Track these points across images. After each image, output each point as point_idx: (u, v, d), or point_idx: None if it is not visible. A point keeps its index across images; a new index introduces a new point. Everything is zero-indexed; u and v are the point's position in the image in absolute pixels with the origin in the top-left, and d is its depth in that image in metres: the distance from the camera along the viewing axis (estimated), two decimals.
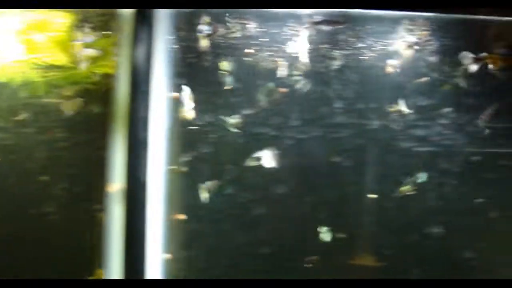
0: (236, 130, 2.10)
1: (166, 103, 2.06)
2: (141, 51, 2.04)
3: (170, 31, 2.14)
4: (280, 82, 2.16)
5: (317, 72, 2.17)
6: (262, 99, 2.14)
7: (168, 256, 2.01)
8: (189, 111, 2.11)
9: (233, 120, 2.13)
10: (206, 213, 2.03)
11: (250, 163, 2.01)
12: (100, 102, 2.10)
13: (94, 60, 2.17)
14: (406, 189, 2.05)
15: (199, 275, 1.98)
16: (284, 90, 2.17)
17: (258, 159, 2.00)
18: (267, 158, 2.00)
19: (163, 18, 2.10)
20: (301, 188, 2.09)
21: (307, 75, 2.17)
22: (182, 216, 2.09)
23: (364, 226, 2.03)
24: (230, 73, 2.14)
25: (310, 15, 2.17)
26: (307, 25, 2.17)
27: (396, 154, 2.11)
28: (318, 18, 2.16)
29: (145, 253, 1.94)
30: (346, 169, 2.05)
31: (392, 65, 2.17)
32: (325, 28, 2.18)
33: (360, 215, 2.03)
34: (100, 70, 2.15)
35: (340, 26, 2.17)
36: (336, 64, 2.17)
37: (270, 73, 2.16)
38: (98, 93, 2.11)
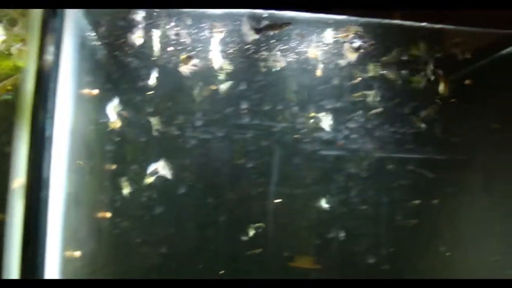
0: (149, 130, 2.08)
1: (75, 99, 2.04)
2: (51, 47, 2.02)
3: (89, 27, 2.12)
4: (203, 83, 2.14)
5: (240, 75, 2.16)
6: (179, 100, 2.13)
7: (70, 253, 1.98)
8: (101, 109, 2.09)
9: (151, 119, 2.11)
10: (110, 211, 2.01)
11: (148, 179, 1.99)
12: (8, 95, 2.07)
13: (5, 54, 2.13)
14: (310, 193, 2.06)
15: (100, 273, 1.96)
16: (211, 89, 2.16)
17: (156, 172, 1.98)
18: (164, 169, 1.99)
19: (76, 14, 2.08)
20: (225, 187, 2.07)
21: (230, 77, 2.17)
22: (106, 215, 2.06)
23: (268, 227, 2.03)
24: (148, 72, 2.12)
25: (238, 16, 2.16)
26: (237, 26, 2.16)
27: (309, 157, 2.12)
28: (263, 23, 2.13)
29: (45, 250, 1.91)
30: (253, 170, 2.05)
31: (310, 69, 2.17)
32: (270, 32, 2.15)
33: (265, 216, 2.02)
34: (10, 65, 2.12)
35: (286, 28, 2.14)
36: (256, 67, 2.17)
37: (191, 75, 2.14)
38: (7, 87, 2.08)
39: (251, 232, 2.06)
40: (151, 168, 1.99)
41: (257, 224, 2.08)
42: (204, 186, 2.03)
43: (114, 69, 2.13)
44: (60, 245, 1.96)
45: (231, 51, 2.13)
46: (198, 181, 2.03)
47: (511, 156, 2.23)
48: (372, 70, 2.14)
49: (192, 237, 2.01)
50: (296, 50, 2.14)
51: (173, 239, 1.99)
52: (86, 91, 2.14)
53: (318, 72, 2.13)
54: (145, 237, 1.99)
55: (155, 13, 2.14)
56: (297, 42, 2.12)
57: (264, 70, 2.14)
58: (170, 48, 2.13)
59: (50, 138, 1.98)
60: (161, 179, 1.99)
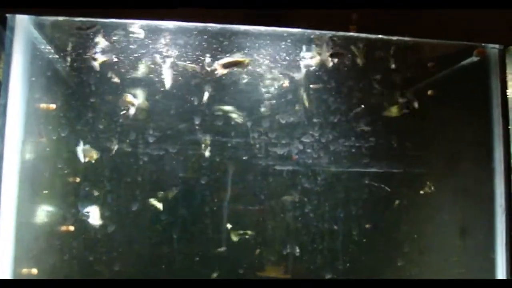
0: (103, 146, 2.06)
1: (26, 116, 2.02)
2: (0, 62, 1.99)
3: (43, 41, 2.09)
4: (150, 96, 2.12)
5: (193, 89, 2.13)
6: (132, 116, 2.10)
7: (26, 271, 1.99)
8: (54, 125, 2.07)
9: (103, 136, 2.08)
10: (58, 229, 2.01)
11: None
12: None
13: None
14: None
15: None
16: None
17: (87, 216, 1.98)
18: (95, 216, 1.99)
19: (27, 27, 2.05)
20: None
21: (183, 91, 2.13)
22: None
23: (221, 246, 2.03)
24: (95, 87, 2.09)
25: (192, 30, 2.12)
26: (190, 40, 2.12)
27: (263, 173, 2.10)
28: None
29: None
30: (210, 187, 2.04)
31: (264, 83, 2.16)
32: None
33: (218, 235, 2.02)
34: None
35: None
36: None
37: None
38: None
39: (208, 248, 2.06)
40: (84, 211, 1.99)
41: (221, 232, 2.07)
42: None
43: (69, 83, 2.10)
44: (13, 262, 1.97)
45: (184, 64, 2.11)
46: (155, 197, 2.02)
47: (468, 167, 2.23)
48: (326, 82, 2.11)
49: (146, 253, 2.01)
50: (251, 65, 2.12)
51: (126, 256, 1.98)
52: (43, 105, 2.11)
53: (273, 86, 2.11)
54: (97, 255, 1.99)
55: (109, 26, 2.11)
56: (253, 56, 2.10)
57: (218, 84, 2.12)
58: (126, 61, 2.10)
59: (1, 156, 1.97)
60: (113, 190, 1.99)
